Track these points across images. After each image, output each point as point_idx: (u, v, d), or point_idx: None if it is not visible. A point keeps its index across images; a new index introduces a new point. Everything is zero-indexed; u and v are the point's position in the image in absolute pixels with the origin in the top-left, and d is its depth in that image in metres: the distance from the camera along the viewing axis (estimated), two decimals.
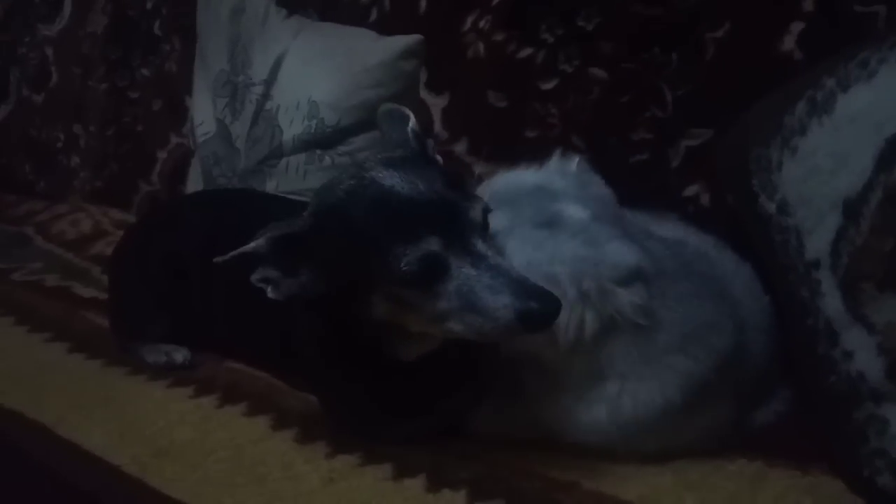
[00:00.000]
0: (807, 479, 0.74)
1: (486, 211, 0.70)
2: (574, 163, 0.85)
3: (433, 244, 0.66)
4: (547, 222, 0.76)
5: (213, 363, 1.10)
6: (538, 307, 0.64)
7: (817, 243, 0.77)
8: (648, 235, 0.82)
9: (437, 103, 1.47)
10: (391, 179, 0.68)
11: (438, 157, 0.81)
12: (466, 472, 0.78)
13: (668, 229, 0.89)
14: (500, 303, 0.64)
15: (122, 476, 0.83)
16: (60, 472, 0.86)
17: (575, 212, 0.77)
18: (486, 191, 0.81)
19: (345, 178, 0.73)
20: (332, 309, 0.76)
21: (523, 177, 0.84)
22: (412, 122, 0.79)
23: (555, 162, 0.86)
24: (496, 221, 0.74)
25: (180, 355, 1.10)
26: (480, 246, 0.67)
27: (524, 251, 0.74)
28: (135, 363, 1.11)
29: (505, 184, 0.84)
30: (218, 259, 0.70)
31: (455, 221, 0.67)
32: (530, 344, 0.74)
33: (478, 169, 1.40)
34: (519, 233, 0.76)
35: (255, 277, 0.71)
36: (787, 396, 0.85)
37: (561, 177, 0.83)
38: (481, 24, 1.39)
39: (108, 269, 1.33)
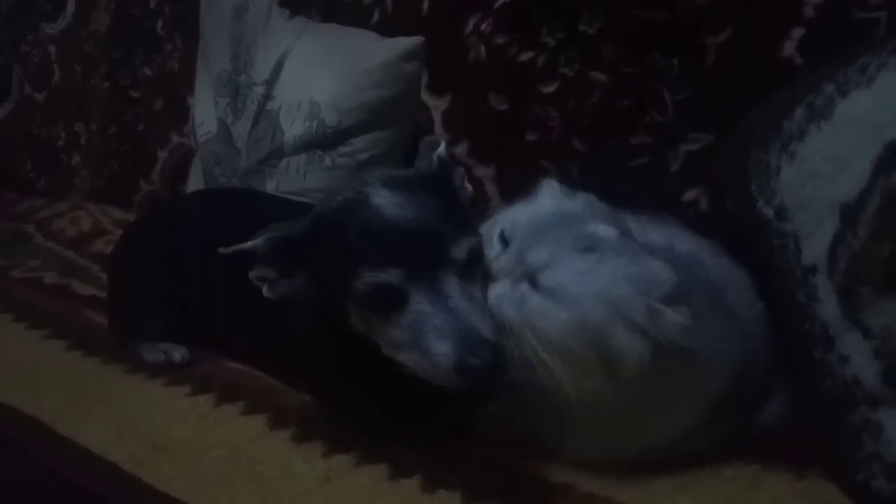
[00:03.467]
0: (802, 483, 0.74)
1: (475, 249, 0.69)
2: (555, 187, 0.83)
3: (392, 276, 0.66)
4: (588, 247, 0.72)
5: (210, 362, 1.10)
6: (477, 363, 0.62)
7: (815, 248, 0.77)
8: (662, 251, 0.78)
9: (438, 105, 1.47)
10: (381, 200, 0.68)
11: (468, 186, 0.81)
12: (462, 473, 0.78)
13: (666, 236, 0.88)
14: (442, 349, 0.64)
15: (120, 473, 0.83)
16: (57, 469, 0.86)
17: (605, 231, 0.74)
18: (502, 226, 0.78)
19: (348, 188, 0.73)
20: (328, 315, 0.77)
21: (537, 207, 0.80)
22: (441, 147, 0.79)
23: (546, 189, 0.83)
24: (537, 255, 0.72)
25: (178, 354, 1.10)
26: (449, 284, 0.66)
27: (582, 280, 0.70)
28: (133, 361, 1.11)
29: (524, 216, 0.79)
30: (222, 250, 0.73)
31: (427, 256, 0.66)
32: (581, 374, 0.70)
33: (478, 172, 1.40)
34: (567, 262, 0.71)
35: (252, 274, 0.74)
36: (783, 400, 0.85)
37: (566, 200, 0.81)
38: (483, 26, 1.39)
39: (107, 267, 1.33)
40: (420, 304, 0.65)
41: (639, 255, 0.72)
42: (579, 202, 0.80)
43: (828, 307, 0.75)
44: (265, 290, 0.74)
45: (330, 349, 0.83)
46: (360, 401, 0.85)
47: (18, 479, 0.87)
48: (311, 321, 0.83)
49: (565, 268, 0.71)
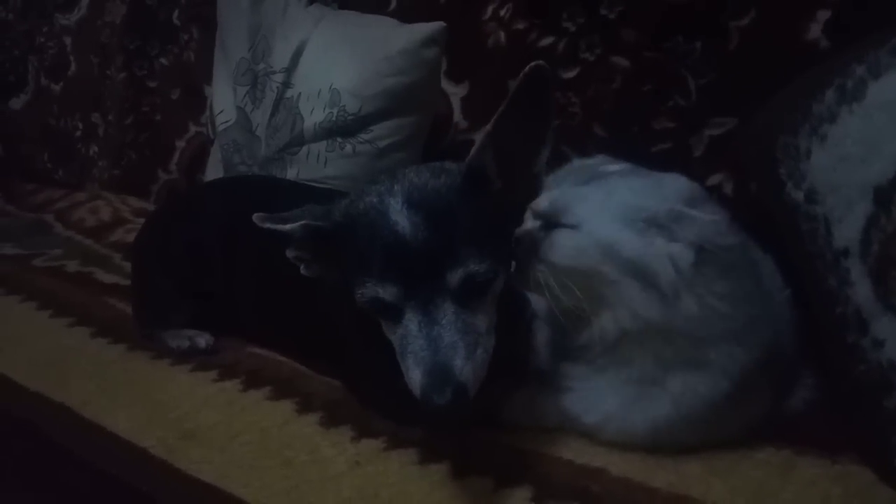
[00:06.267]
0: (836, 468, 0.73)
1: (478, 276, 0.67)
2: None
3: (388, 293, 0.67)
4: (590, 178, 0.78)
5: (235, 348, 1.10)
6: (439, 402, 0.62)
7: (846, 231, 0.76)
8: None
9: (456, 92, 1.46)
10: (398, 216, 0.67)
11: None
12: (493, 458, 0.78)
13: None
14: (415, 376, 0.65)
15: (149, 458, 0.84)
16: (86, 455, 0.87)
17: (613, 167, 0.80)
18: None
19: (378, 186, 0.72)
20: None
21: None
22: (474, 150, 0.71)
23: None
24: (548, 202, 0.76)
25: (203, 340, 1.10)
26: (443, 309, 0.66)
27: (583, 204, 0.74)
28: (158, 348, 1.11)
29: None
30: (257, 217, 0.74)
31: (425, 279, 0.66)
32: (632, 315, 0.72)
33: None
34: (571, 193, 0.76)
35: (289, 254, 0.76)
36: (812, 384, 0.84)
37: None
38: (502, 12, 1.39)
39: (130, 256, 1.33)
40: (411, 322, 0.67)
41: (650, 174, 0.75)
42: (597, 159, 0.86)
43: (861, 291, 0.74)
44: (302, 269, 0.76)
45: (359, 332, 0.83)
46: (391, 381, 0.85)
47: (47, 465, 0.87)
48: (343, 306, 0.82)
49: (569, 198, 0.75)
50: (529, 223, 0.78)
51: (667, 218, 0.70)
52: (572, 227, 0.74)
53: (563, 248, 0.73)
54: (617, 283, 0.72)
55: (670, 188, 0.74)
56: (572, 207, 0.74)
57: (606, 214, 0.73)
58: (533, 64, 0.67)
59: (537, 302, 0.88)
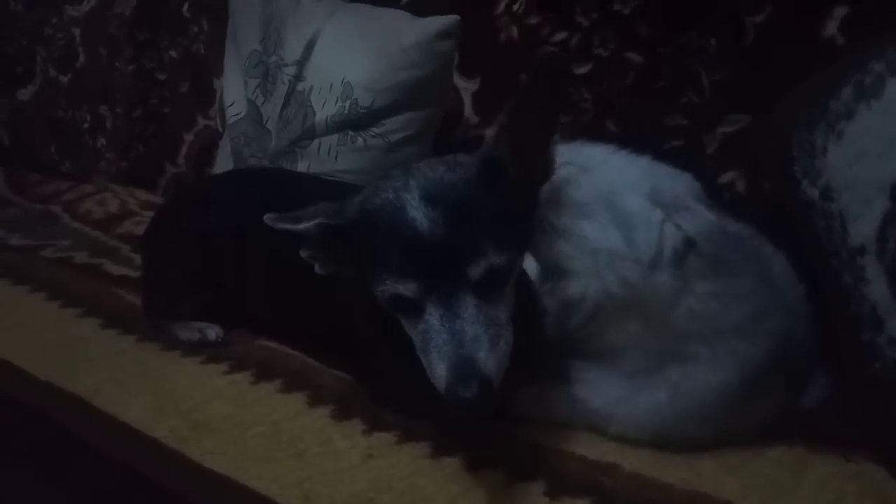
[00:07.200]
0: (850, 466, 0.73)
1: (499, 269, 0.67)
2: None
3: (408, 289, 0.66)
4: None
5: (245, 341, 1.10)
6: (466, 396, 0.61)
7: (863, 229, 0.76)
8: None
9: (468, 87, 1.46)
10: (415, 212, 0.66)
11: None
12: (505, 452, 0.78)
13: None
14: (438, 371, 0.64)
15: (162, 449, 0.83)
16: (97, 444, 0.87)
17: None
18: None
19: (393, 181, 0.71)
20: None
21: None
22: (490, 141, 0.73)
23: None
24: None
25: (213, 332, 1.10)
26: (465, 303, 0.66)
27: (608, 160, 0.78)
28: (167, 339, 1.11)
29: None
30: (268, 218, 0.72)
31: (447, 273, 0.66)
32: (609, 267, 0.73)
33: None
34: (601, 151, 0.80)
35: (303, 253, 0.75)
36: (826, 383, 0.84)
37: None
38: (515, 6, 1.38)
39: (140, 247, 1.33)
40: (432, 317, 0.66)
41: (665, 165, 0.78)
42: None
43: (877, 288, 0.74)
44: (317, 268, 0.75)
45: (372, 327, 0.83)
46: (404, 375, 0.84)
47: (58, 454, 0.87)
48: (359, 300, 0.82)
49: (587, 149, 0.79)
50: None
51: (672, 202, 0.72)
52: (581, 168, 0.76)
53: (564, 179, 0.75)
54: (604, 229, 0.73)
55: (684, 182, 0.77)
56: (587, 153, 0.77)
57: (620, 171, 0.76)
58: (546, 51, 0.68)
59: (546, 297, 0.87)
